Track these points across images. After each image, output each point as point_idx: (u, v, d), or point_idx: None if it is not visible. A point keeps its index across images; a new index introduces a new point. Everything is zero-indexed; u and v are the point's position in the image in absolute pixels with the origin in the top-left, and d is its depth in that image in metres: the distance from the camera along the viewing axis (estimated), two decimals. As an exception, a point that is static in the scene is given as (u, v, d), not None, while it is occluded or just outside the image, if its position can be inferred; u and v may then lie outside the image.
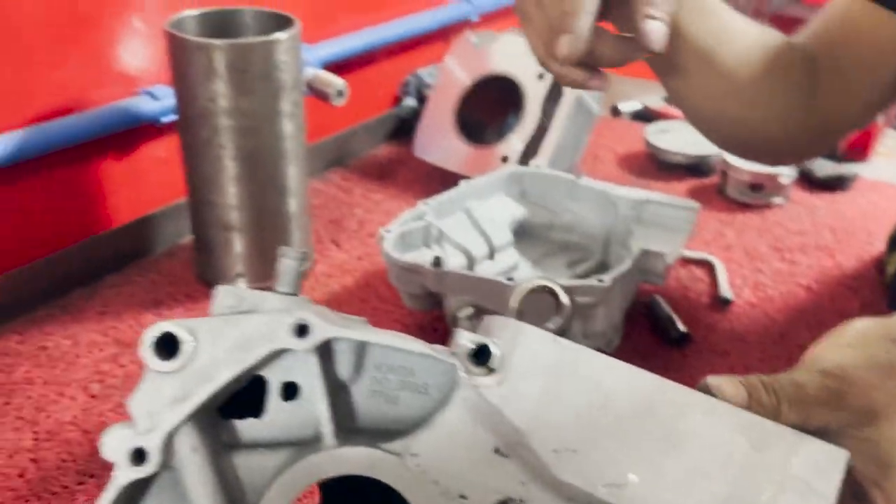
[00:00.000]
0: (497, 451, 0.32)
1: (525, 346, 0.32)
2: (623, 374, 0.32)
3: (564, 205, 0.87)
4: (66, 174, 0.82)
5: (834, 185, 1.08)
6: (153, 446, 0.32)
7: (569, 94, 0.99)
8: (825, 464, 0.31)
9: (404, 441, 0.33)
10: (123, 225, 0.87)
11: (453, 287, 0.68)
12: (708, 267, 0.90)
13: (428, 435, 0.32)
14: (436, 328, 0.78)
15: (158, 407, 0.32)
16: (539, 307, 0.38)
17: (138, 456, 0.32)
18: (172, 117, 0.87)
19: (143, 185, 0.90)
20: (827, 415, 0.35)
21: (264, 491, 0.33)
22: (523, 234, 0.88)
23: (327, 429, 0.33)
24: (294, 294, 0.35)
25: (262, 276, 0.82)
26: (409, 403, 0.33)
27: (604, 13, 0.50)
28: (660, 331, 0.78)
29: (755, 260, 0.92)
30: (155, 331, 0.32)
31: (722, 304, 0.83)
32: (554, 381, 0.31)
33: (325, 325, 0.32)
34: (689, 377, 0.71)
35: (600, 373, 0.32)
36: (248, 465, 0.34)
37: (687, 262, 0.91)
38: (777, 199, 1.04)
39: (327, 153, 1.11)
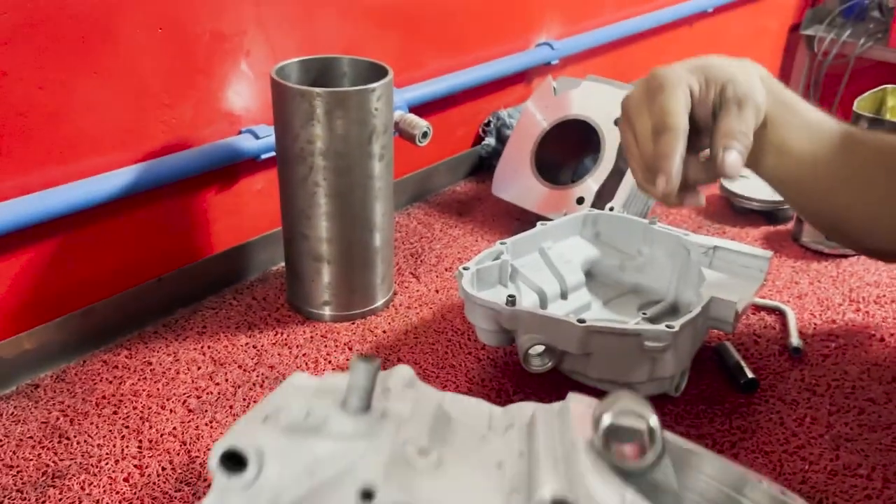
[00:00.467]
0: None
1: None
2: None
3: (637, 248, 0.90)
4: (175, 204, 0.90)
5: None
6: None
7: (645, 141, 1.02)
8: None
9: None
10: (223, 251, 0.95)
11: (525, 325, 0.71)
12: (779, 315, 0.91)
13: None
14: (507, 363, 0.81)
15: None
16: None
17: None
18: (270, 154, 0.94)
19: (241, 216, 0.97)
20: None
21: None
22: (596, 275, 0.91)
23: None
24: (365, 408, 0.35)
25: (347, 305, 0.88)
26: None
27: (692, 142, 0.57)
28: (728, 377, 0.80)
29: (828, 310, 0.92)
30: (223, 445, 0.33)
31: (792, 353, 0.84)
32: None
33: (393, 493, 0.32)
34: (756, 424, 0.73)
35: None
36: None
37: (758, 308, 0.92)
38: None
39: (410, 188, 1.17)
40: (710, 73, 0.58)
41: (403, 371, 0.41)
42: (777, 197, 1.11)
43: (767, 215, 1.13)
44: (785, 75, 2.28)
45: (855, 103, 1.24)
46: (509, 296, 0.72)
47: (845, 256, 1.03)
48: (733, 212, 1.15)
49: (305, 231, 0.84)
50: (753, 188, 1.14)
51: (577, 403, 0.40)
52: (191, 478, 0.66)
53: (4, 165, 0.74)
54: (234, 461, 0.34)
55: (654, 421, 0.35)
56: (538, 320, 0.71)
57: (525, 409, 0.42)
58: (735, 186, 1.15)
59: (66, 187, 0.78)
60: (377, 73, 0.83)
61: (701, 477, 0.39)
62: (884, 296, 0.94)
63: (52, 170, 0.78)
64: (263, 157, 0.94)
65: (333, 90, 0.77)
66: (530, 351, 0.73)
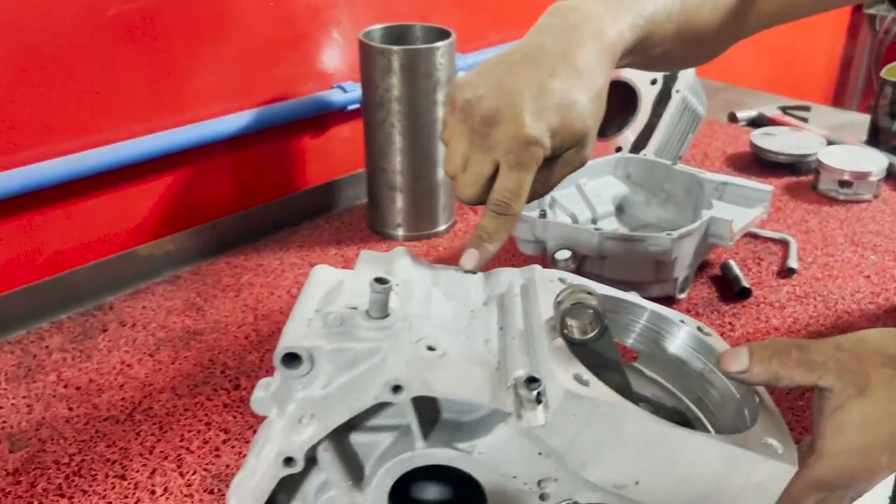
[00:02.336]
0: (539, 453, 0.43)
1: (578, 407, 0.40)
2: (634, 424, 0.41)
3: (661, 185, 1.06)
4: (279, 145, 1.12)
5: (923, 185, 1.18)
6: (298, 457, 0.42)
7: (675, 98, 1.18)
8: (777, 474, 0.42)
9: (472, 443, 0.43)
10: (317, 185, 1.16)
11: (553, 233, 0.89)
12: (784, 245, 1.06)
13: (489, 440, 0.43)
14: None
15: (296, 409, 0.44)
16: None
17: (288, 461, 0.43)
18: (355, 106, 1.15)
19: (331, 158, 1.18)
20: (829, 378, 0.44)
21: (374, 464, 0.44)
22: (625, 208, 1.08)
23: (418, 438, 0.43)
24: (385, 316, 0.45)
25: (415, 227, 1.07)
26: (475, 416, 0.45)
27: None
28: (726, 287, 0.96)
29: (829, 246, 1.06)
30: (283, 349, 0.44)
31: (787, 272, 0.99)
32: (585, 422, 0.41)
33: (416, 386, 0.40)
34: (745, 322, 0.89)
35: (621, 420, 0.41)
36: (362, 442, 0.45)
37: (766, 239, 1.07)
38: (865, 196, 1.17)
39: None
40: (567, 138, 0.58)
41: (402, 253, 0.55)
42: (801, 151, 1.25)
43: (791, 167, 1.26)
44: (848, 53, 2.36)
45: (883, 70, 1.37)
46: (541, 210, 0.90)
47: (857, 202, 1.16)
48: (761, 165, 1.29)
49: (383, 165, 1.04)
50: (780, 143, 1.28)
51: (542, 280, 0.52)
52: (292, 340, 0.87)
53: (156, 109, 0.97)
54: (291, 359, 0.44)
55: (597, 303, 0.45)
56: (563, 229, 0.89)
57: (501, 279, 0.55)
58: (762, 141, 1.28)
59: (197, 125, 1.01)
60: (443, 36, 1.02)
61: (634, 320, 0.55)
62: (880, 245, 1.06)
63: (188, 113, 1.00)
64: (350, 108, 1.15)
65: (406, 48, 0.97)
66: (557, 255, 0.91)
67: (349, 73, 1.15)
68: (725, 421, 0.49)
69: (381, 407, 0.43)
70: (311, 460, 0.43)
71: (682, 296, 0.93)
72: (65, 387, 0.80)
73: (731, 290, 0.95)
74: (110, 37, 0.91)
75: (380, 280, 0.45)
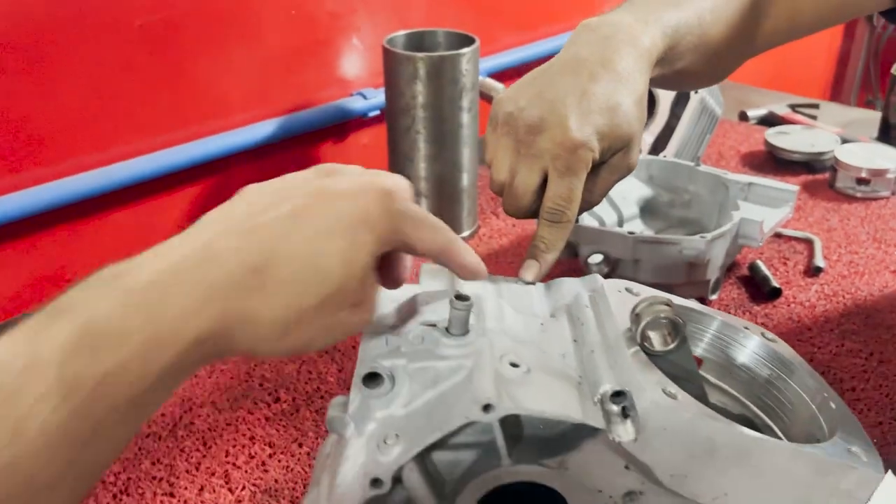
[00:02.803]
0: (626, 467, 0.43)
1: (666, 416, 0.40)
2: (726, 436, 0.41)
3: (684, 187, 1.07)
4: (301, 153, 1.11)
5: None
6: (386, 478, 0.41)
7: (693, 99, 1.18)
8: (865, 482, 0.42)
9: (558, 458, 0.43)
10: (337, 193, 1.16)
11: (586, 237, 0.89)
12: (808, 244, 1.06)
13: (577, 456, 0.43)
14: (572, 271, 0.99)
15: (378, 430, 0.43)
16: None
17: (375, 482, 0.42)
18: (375, 112, 1.14)
19: (352, 163, 1.17)
20: None
21: (457, 481, 0.44)
22: (649, 210, 1.08)
23: (504, 455, 0.43)
24: (465, 333, 0.45)
25: (440, 233, 1.07)
26: (558, 431, 0.44)
27: None
28: (755, 287, 0.96)
29: (853, 244, 1.06)
30: (364, 370, 0.44)
31: (814, 271, 0.99)
32: (676, 436, 0.41)
33: (506, 404, 0.40)
34: (776, 321, 0.89)
35: (711, 431, 0.41)
36: (445, 460, 0.44)
37: (790, 239, 1.07)
38: (883, 193, 1.18)
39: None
40: (614, 141, 0.58)
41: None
42: (816, 149, 1.26)
43: (807, 165, 1.27)
44: (846, 47, 2.37)
45: (894, 66, 1.38)
46: (574, 215, 0.90)
47: (875, 199, 1.17)
48: (776, 164, 1.30)
49: (407, 171, 1.04)
50: (794, 142, 1.28)
51: (611, 290, 0.52)
52: (328, 348, 0.87)
53: (179, 120, 0.96)
54: (371, 378, 0.44)
55: (677, 315, 0.46)
56: (597, 234, 0.89)
57: (563, 289, 0.55)
58: (777, 140, 1.29)
59: (221, 136, 1.00)
60: (466, 42, 1.02)
61: (702, 329, 0.55)
62: (904, 234, 1.08)
63: (211, 123, 1.00)
64: (370, 114, 1.14)
65: (432, 54, 0.97)
66: (590, 259, 0.91)
67: (369, 80, 1.15)
68: (798, 428, 0.49)
69: (465, 425, 0.43)
70: (395, 480, 0.43)
71: (714, 297, 0.94)
72: (102, 403, 0.80)
73: (760, 291, 0.96)
74: (135, 48, 0.90)
75: (460, 297, 0.44)
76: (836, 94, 2.45)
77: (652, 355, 0.45)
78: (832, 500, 0.43)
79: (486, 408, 0.40)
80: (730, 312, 0.92)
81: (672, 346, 0.45)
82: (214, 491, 0.69)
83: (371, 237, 0.41)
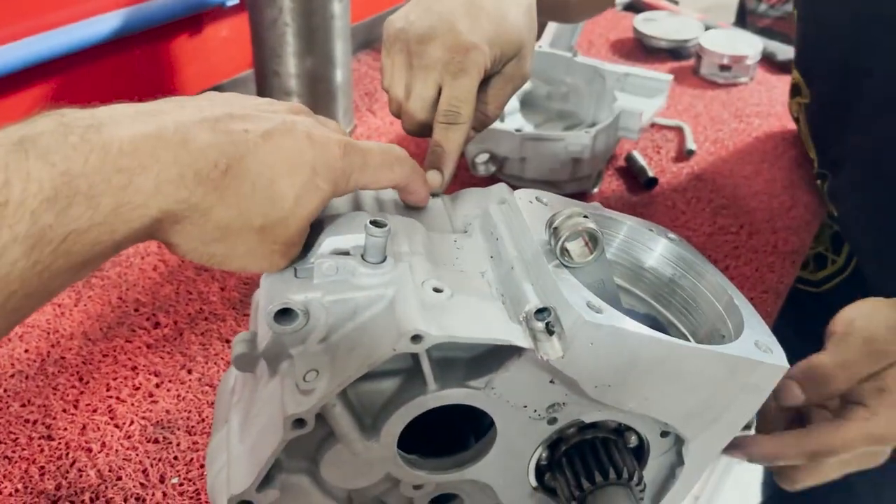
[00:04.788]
0: (552, 382, 0.43)
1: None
2: (650, 345, 0.41)
3: (562, 79, 1.06)
4: (151, 49, 1.00)
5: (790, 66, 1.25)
6: (309, 418, 0.39)
7: (567, -15, 1.16)
8: (771, 374, 0.44)
9: (484, 379, 0.42)
10: (198, 93, 1.06)
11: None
12: (679, 131, 1.09)
13: (503, 376, 0.42)
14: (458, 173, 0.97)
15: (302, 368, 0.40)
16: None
17: (298, 423, 0.39)
18: (236, 1, 1.04)
19: (211, 60, 1.07)
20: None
21: (381, 411, 0.42)
22: (528, 103, 1.07)
23: (430, 381, 0.41)
24: (383, 262, 0.42)
25: (315, 134, 1.01)
26: (482, 351, 0.43)
27: None
28: (633, 178, 0.98)
29: (718, 123, 1.11)
30: (275, 307, 0.40)
31: (687, 154, 1.03)
32: (602, 349, 0.40)
33: (435, 333, 0.38)
34: (655, 209, 0.92)
35: (635, 342, 0.41)
36: (368, 391, 0.42)
37: (661, 127, 1.10)
38: (743, 79, 1.22)
39: (360, 35, 1.28)
40: (505, 47, 0.58)
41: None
42: (682, 36, 1.28)
43: (673, 53, 1.29)
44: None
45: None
46: (458, 113, 0.87)
47: (736, 85, 1.22)
48: (644, 51, 1.31)
49: (277, 68, 0.96)
50: (661, 29, 1.30)
51: (522, 201, 0.49)
52: (206, 266, 0.81)
53: (6, 16, 0.83)
54: (283, 314, 0.41)
55: (596, 226, 0.44)
56: (484, 133, 0.86)
57: (472, 201, 0.52)
58: (645, 27, 1.30)
59: (57, 32, 0.88)
60: (332, -78, 0.93)
61: (612, 234, 0.55)
62: (762, 111, 1.14)
63: (44, 18, 0.87)
64: (229, 3, 1.04)
65: (297, -63, 0.88)
66: (477, 159, 0.89)
67: (224, -35, 1.03)
68: (705, 326, 0.50)
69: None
70: (317, 416, 0.41)
71: (595, 191, 0.95)
72: (-47, 344, 0.71)
73: (637, 182, 0.98)
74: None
75: (376, 223, 0.41)
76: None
77: (571, 268, 0.44)
78: (741, 394, 0.45)
79: (415, 339, 0.38)
80: (611, 205, 0.94)
81: (591, 257, 0.45)
82: (99, 429, 0.64)
83: (328, 188, 0.42)
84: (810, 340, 0.56)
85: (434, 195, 0.54)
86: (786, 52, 1.26)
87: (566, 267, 0.44)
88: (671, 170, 1.01)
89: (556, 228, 0.44)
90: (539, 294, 0.42)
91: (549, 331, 0.41)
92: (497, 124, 0.98)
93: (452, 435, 0.48)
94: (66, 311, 0.75)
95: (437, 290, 0.41)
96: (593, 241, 0.45)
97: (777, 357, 0.44)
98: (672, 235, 0.54)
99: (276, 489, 0.42)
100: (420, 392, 0.42)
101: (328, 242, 0.43)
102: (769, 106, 1.15)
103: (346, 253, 0.42)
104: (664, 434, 0.48)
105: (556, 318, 0.41)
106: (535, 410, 0.44)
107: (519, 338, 0.40)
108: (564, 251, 0.44)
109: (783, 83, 1.22)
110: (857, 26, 0.76)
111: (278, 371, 0.42)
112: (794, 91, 0.95)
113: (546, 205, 0.50)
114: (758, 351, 0.44)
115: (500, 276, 0.45)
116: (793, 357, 0.46)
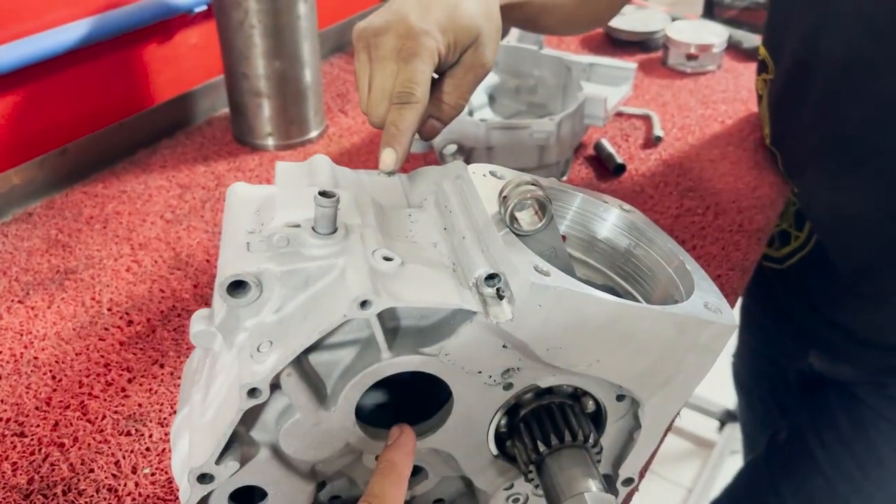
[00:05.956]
0: (504, 346, 0.43)
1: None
2: (598, 306, 0.42)
3: (529, 72, 1.07)
4: (120, 57, 1.01)
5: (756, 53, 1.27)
6: (263, 387, 0.40)
7: (533, -19, 1.17)
8: (720, 334, 0.45)
9: (437, 346, 0.42)
10: (169, 100, 1.07)
11: (440, 128, 0.88)
12: (646, 120, 1.11)
13: (455, 340, 0.42)
14: (427, 162, 0.98)
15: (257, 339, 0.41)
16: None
17: (253, 392, 0.40)
18: (203, 7, 1.05)
19: (181, 67, 1.08)
20: None
21: (337, 381, 0.42)
22: (497, 98, 1.08)
23: (384, 349, 0.41)
24: (333, 232, 0.42)
25: (287, 135, 1.02)
26: (435, 319, 0.43)
27: None
28: (602, 165, 1.00)
29: (685, 111, 1.12)
30: (227, 278, 0.40)
31: (655, 140, 1.04)
32: (550, 311, 0.41)
33: (384, 299, 0.39)
34: (623, 194, 0.93)
35: (583, 303, 0.42)
36: (323, 361, 0.42)
37: (630, 116, 1.11)
38: (710, 67, 1.24)
39: (331, 40, 1.29)
40: (459, 34, 0.59)
41: (322, 160, 0.52)
42: (649, 28, 1.29)
43: (641, 45, 1.31)
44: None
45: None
46: (425, 106, 0.88)
47: (703, 74, 1.23)
48: (612, 44, 1.33)
49: (245, 70, 0.97)
50: (629, 21, 1.31)
51: (475, 175, 0.51)
52: (179, 265, 0.82)
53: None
54: (236, 287, 0.41)
55: (545, 194, 0.45)
56: (450, 124, 0.87)
57: (428, 178, 0.53)
58: (613, 21, 1.31)
59: (25, 41, 0.89)
60: (295, -76, 0.94)
61: (565, 206, 0.56)
62: (728, 97, 1.16)
63: (12, 28, 0.88)
64: (196, 10, 1.05)
65: (260, -61, 0.89)
66: (444, 151, 0.90)
67: (191, -29, 1.05)
68: (658, 292, 0.51)
69: (341, 324, 0.41)
70: (273, 387, 0.41)
71: (564, 179, 0.96)
72: (-74, 349, 0.72)
73: (606, 168, 0.99)
74: None
75: (325, 194, 0.42)
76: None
77: (521, 236, 0.45)
78: (692, 355, 0.46)
79: (364, 304, 0.39)
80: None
81: (540, 225, 0.46)
82: (71, 424, 0.65)
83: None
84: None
85: (390, 174, 0.55)
86: (751, 40, 1.28)
87: (517, 235, 0.45)
88: (639, 156, 1.02)
89: (505, 197, 0.45)
90: (489, 261, 0.43)
91: (500, 296, 0.42)
92: (464, 116, 1.00)
93: (422, 412, 0.49)
94: (39, 314, 0.75)
95: (387, 259, 0.42)
96: (542, 209, 0.46)
97: (726, 317, 0.45)
98: (626, 206, 0.55)
99: (237, 461, 0.43)
100: (375, 360, 0.42)
101: (280, 216, 0.44)
102: (735, 92, 1.17)
103: (298, 226, 0.43)
104: (620, 398, 0.49)
105: (506, 282, 0.42)
106: (490, 376, 0.45)
107: (469, 302, 0.41)
108: (514, 219, 0.45)
109: (749, 70, 1.24)
110: (817, 12, 0.78)
111: (234, 344, 0.43)
112: (761, 67, 0.96)
113: (500, 178, 0.51)
114: (707, 311, 0.45)
115: (453, 246, 0.46)
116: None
